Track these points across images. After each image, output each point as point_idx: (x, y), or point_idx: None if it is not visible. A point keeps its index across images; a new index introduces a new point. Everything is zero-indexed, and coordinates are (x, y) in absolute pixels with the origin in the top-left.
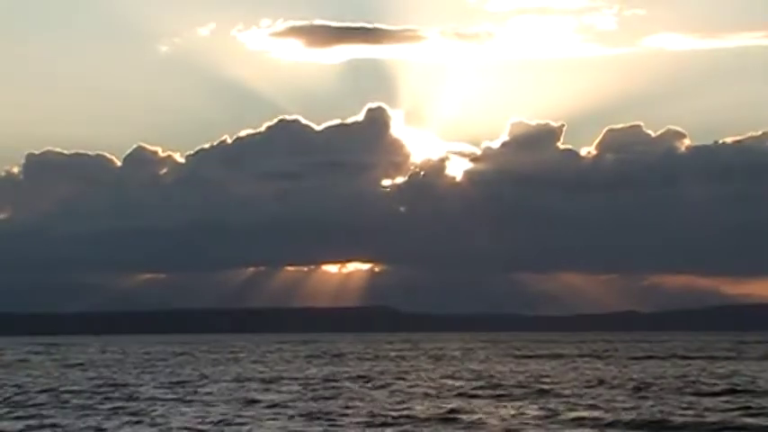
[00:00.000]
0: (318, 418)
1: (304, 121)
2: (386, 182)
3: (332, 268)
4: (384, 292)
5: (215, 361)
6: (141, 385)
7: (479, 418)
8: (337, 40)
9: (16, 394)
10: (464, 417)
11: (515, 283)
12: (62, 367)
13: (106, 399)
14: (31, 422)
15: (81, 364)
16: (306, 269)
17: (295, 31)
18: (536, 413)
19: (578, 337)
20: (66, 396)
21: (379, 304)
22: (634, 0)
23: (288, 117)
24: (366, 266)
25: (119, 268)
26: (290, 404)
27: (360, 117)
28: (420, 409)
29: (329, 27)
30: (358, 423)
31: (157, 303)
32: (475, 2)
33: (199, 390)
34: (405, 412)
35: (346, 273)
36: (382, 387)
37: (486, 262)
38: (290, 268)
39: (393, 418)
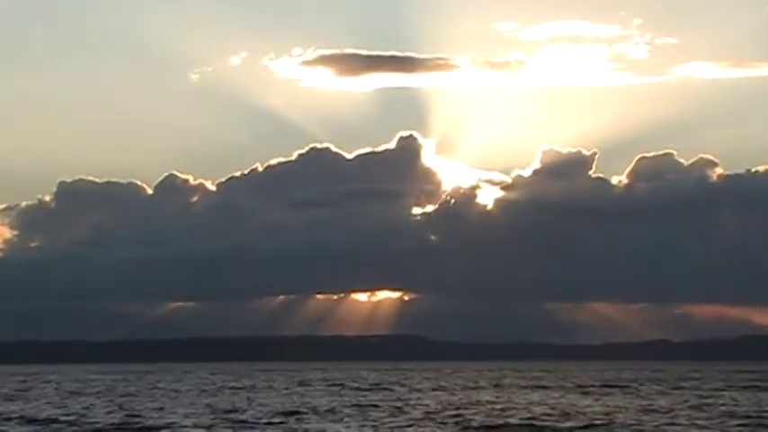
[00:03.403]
0: None
1: (335, 149)
2: (416, 210)
3: (362, 297)
4: (414, 320)
5: None
6: None
7: None
8: (368, 68)
9: None
10: None
11: (546, 312)
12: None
13: None
14: None
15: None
16: (336, 297)
17: (326, 60)
18: None
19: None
20: None
21: (409, 333)
22: (666, 29)
23: (319, 145)
24: (396, 295)
25: (149, 296)
26: None
27: (391, 145)
28: None
29: (360, 56)
30: None
31: (188, 331)
32: (506, 30)
33: None
34: None
35: (376, 301)
36: None
37: (517, 291)
38: (320, 296)
39: None
